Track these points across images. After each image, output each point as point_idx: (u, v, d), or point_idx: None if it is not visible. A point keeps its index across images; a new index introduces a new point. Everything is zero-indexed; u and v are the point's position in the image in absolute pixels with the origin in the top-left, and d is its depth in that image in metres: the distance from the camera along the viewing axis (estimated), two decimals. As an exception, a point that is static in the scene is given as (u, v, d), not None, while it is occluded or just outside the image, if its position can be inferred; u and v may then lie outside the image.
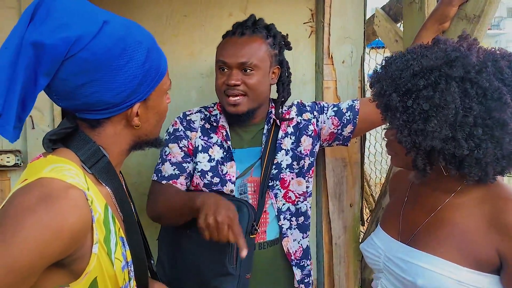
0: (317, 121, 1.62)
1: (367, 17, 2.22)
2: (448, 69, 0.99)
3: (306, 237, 1.64)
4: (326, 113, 1.63)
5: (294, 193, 1.58)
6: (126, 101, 0.91)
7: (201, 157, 1.52)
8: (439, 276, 1.03)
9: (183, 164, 1.52)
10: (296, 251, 1.58)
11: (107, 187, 0.96)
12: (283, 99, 1.62)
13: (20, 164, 1.57)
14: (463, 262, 1.03)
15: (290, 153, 1.57)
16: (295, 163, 1.57)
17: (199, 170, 1.51)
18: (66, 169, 0.87)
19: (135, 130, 0.97)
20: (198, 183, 1.51)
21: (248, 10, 2.03)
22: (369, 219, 2.25)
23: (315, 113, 1.64)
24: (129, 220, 1.00)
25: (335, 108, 1.63)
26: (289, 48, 1.64)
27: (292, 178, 1.57)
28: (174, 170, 1.51)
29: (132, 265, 0.99)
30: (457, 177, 1.08)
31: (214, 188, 1.50)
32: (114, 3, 1.95)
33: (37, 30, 0.79)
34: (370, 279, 2.06)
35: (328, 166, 1.99)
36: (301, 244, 1.60)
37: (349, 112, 1.61)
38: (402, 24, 2.21)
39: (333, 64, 2.00)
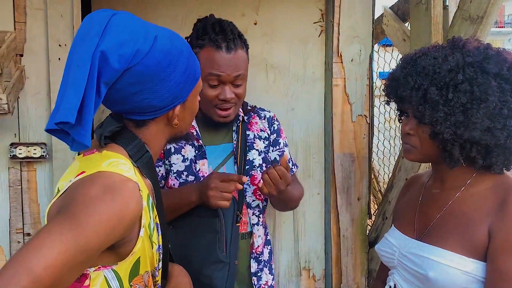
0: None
1: (376, 16, 2.28)
2: (486, 65, 1.08)
3: (266, 234, 1.71)
4: (271, 149, 1.70)
5: None
6: (170, 104, 1.01)
7: (175, 159, 1.55)
8: (448, 268, 1.09)
9: (168, 163, 1.56)
10: (258, 246, 1.63)
11: (148, 179, 1.06)
12: None
13: (46, 156, 1.66)
14: (467, 252, 1.09)
15: (263, 155, 1.64)
16: (264, 165, 1.63)
17: (174, 171, 1.54)
18: (122, 164, 0.97)
19: (173, 128, 1.07)
20: (173, 184, 1.55)
21: (260, 10, 2.11)
22: (376, 212, 2.31)
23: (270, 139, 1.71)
24: (160, 211, 1.10)
25: (276, 156, 1.70)
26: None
27: None
28: None
29: (161, 248, 1.09)
30: (467, 171, 1.16)
31: None
32: (131, 4, 2.04)
33: (103, 44, 0.90)
34: (376, 270, 2.13)
35: (337, 160, 2.07)
36: (263, 240, 1.65)
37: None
38: (409, 24, 2.27)
39: (342, 62, 2.07)
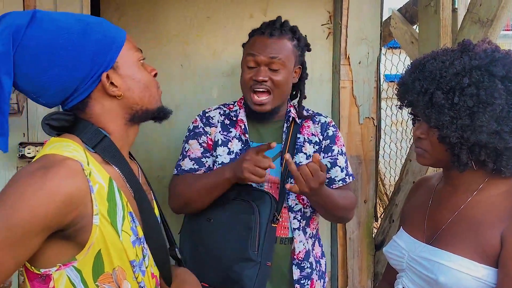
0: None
1: (384, 18, 2.28)
2: (492, 68, 1.08)
3: (308, 240, 1.65)
4: (322, 155, 1.65)
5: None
6: (89, 74, 0.98)
7: (221, 151, 1.59)
8: (458, 273, 1.08)
9: (202, 159, 1.59)
10: (300, 251, 1.59)
11: (114, 166, 1.02)
12: (304, 98, 1.70)
13: (54, 155, 1.67)
14: (478, 258, 1.08)
15: (310, 159, 1.58)
16: None
17: (219, 163, 1.58)
18: (65, 146, 0.96)
19: (121, 101, 1.03)
20: None
21: (268, 11, 2.11)
22: (382, 215, 2.31)
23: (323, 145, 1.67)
24: (140, 198, 1.05)
25: (327, 164, 1.63)
26: (309, 50, 1.71)
27: None
28: (193, 164, 1.58)
29: (145, 242, 1.04)
30: (479, 175, 1.16)
31: None
32: (140, 6, 2.05)
33: None
34: (382, 273, 2.12)
35: (344, 163, 2.06)
36: (305, 247, 1.62)
37: (327, 181, 1.61)
38: (418, 26, 2.27)
39: (350, 64, 2.07)
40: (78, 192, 0.90)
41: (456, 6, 1.93)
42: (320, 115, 1.71)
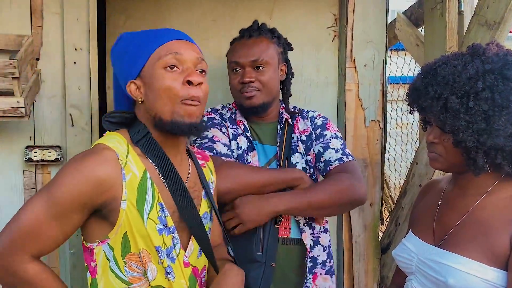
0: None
1: (388, 21, 2.28)
2: (506, 71, 1.08)
3: (317, 236, 1.62)
4: (315, 144, 1.64)
5: None
6: (125, 80, 1.16)
7: (234, 144, 1.60)
8: (468, 276, 1.08)
9: (230, 146, 1.59)
10: (310, 246, 1.58)
11: (150, 161, 1.12)
12: (289, 95, 1.73)
13: (60, 159, 1.67)
14: (488, 261, 1.08)
15: (305, 158, 1.63)
16: (307, 168, 1.62)
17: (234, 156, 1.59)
18: (111, 138, 1.11)
19: (143, 105, 1.15)
20: None
21: (273, 15, 2.12)
22: (388, 218, 2.30)
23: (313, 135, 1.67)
24: (177, 193, 1.13)
25: (320, 149, 1.62)
26: (291, 49, 1.75)
27: None
28: (227, 150, 1.56)
29: (175, 232, 1.13)
30: (489, 178, 1.16)
31: None
32: (146, 10, 2.05)
33: None
34: (388, 276, 2.12)
35: (349, 166, 2.05)
36: (313, 241, 1.61)
37: (323, 164, 1.60)
38: (423, 29, 2.26)
39: (355, 67, 2.06)
40: (109, 177, 1.04)
41: (462, 9, 1.93)
42: (309, 111, 1.74)
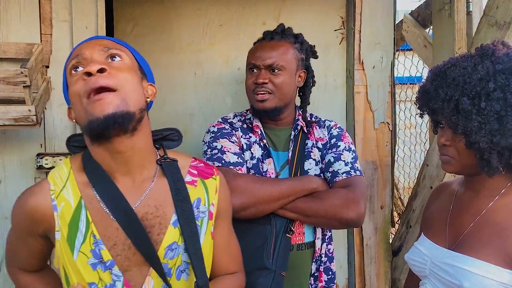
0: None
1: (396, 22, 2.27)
2: None
3: (327, 243, 1.63)
4: (328, 153, 1.62)
5: None
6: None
7: (247, 155, 1.58)
8: (483, 279, 1.07)
9: (242, 155, 1.57)
10: (323, 252, 1.60)
11: (92, 188, 1.02)
12: (308, 103, 1.70)
13: (71, 166, 1.68)
14: (503, 263, 1.07)
15: (320, 165, 1.61)
16: (321, 175, 1.60)
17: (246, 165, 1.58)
18: (60, 165, 1.09)
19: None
20: None
21: (280, 18, 2.11)
22: (399, 221, 2.28)
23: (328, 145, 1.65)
24: (122, 221, 1.00)
25: (331, 158, 1.60)
26: (315, 57, 1.72)
27: None
28: (237, 158, 1.54)
29: (114, 267, 0.99)
30: (502, 180, 1.15)
31: None
32: (153, 16, 2.06)
33: None
34: (400, 279, 2.10)
35: (359, 168, 2.05)
36: (329, 249, 1.62)
37: (331, 175, 1.58)
38: (430, 30, 2.25)
39: (363, 69, 2.06)
40: (39, 209, 1.02)
41: (471, 9, 1.91)
42: (325, 120, 1.72)
